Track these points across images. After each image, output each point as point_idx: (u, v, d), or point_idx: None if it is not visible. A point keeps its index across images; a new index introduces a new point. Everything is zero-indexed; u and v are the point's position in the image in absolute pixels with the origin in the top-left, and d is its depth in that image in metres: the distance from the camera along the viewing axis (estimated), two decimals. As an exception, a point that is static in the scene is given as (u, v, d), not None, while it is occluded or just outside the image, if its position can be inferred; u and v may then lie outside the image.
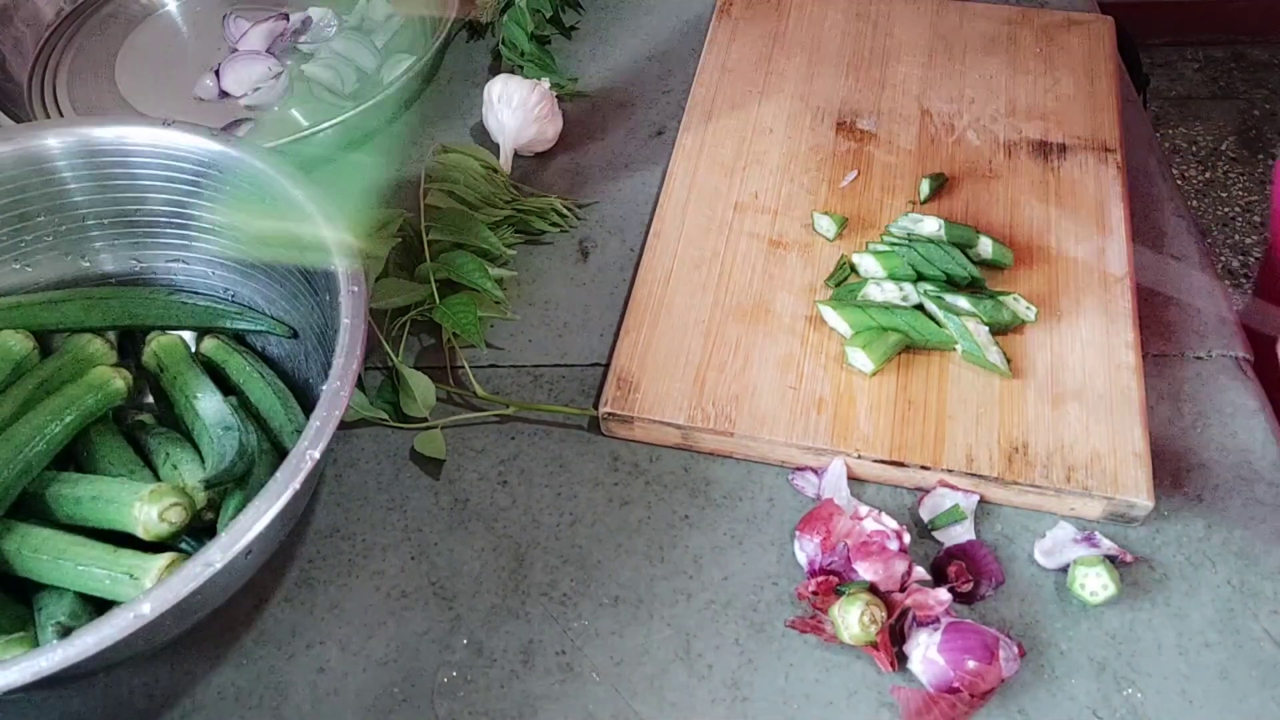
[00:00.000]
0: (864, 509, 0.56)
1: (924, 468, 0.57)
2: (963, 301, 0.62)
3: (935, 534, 0.57)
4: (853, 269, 0.66)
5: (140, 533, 0.50)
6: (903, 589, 0.53)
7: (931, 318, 0.62)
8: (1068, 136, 0.73)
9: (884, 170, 0.73)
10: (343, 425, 0.58)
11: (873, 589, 0.53)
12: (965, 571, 0.54)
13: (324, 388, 0.48)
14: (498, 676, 0.53)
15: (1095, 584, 0.53)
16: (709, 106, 0.77)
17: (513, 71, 0.82)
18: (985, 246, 0.65)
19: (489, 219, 0.70)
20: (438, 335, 0.67)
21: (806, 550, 0.55)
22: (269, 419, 0.57)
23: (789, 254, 0.68)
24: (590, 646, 0.54)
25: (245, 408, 0.58)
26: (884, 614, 0.51)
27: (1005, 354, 0.61)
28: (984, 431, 0.58)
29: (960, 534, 0.56)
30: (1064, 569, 0.55)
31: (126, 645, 0.41)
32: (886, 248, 0.66)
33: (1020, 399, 0.59)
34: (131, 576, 0.48)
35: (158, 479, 0.55)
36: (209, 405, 0.56)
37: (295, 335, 0.61)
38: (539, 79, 0.77)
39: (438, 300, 0.65)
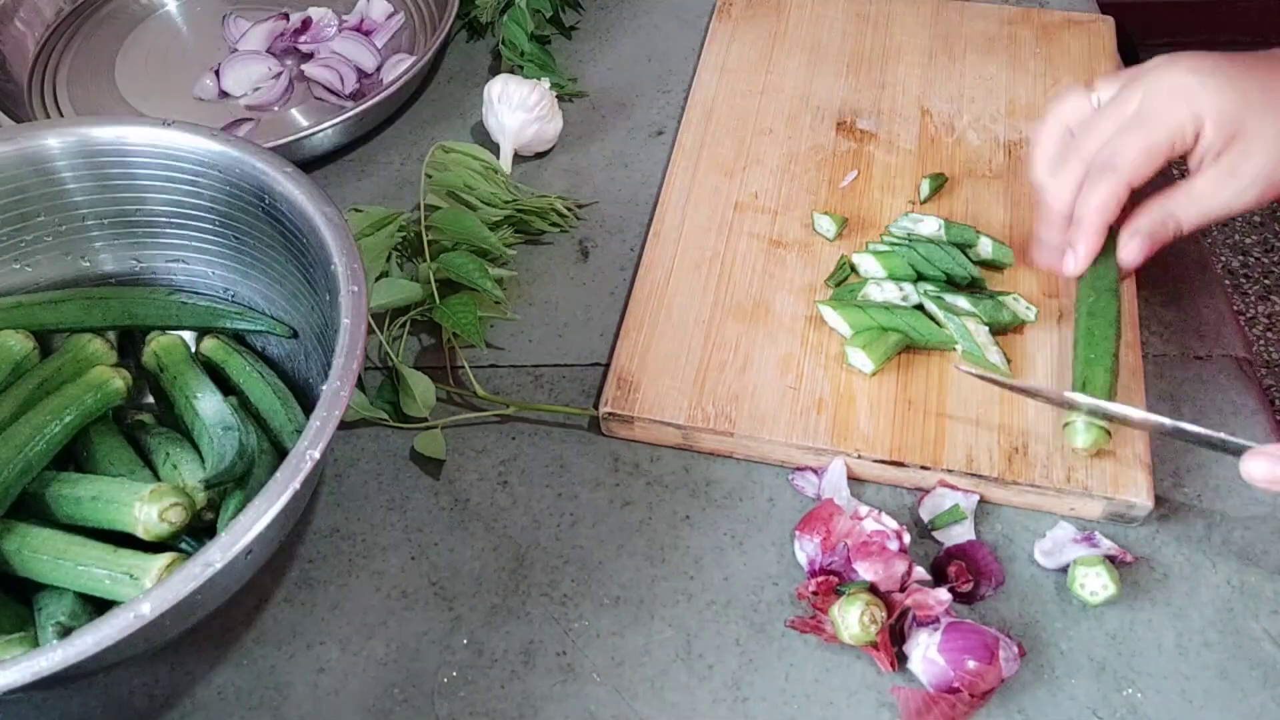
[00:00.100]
0: (864, 509, 0.56)
1: (924, 468, 0.57)
2: (963, 301, 0.62)
3: (935, 534, 0.57)
4: (853, 269, 0.66)
5: (140, 533, 0.50)
6: (903, 589, 0.53)
7: (931, 318, 0.62)
8: (1068, 136, 0.73)
9: (884, 170, 0.73)
10: (343, 425, 0.58)
11: (873, 589, 0.53)
12: (965, 571, 0.54)
13: (324, 388, 0.47)
14: (498, 677, 0.53)
15: (1095, 584, 0.53)
16: (709, 106, 0.77)
17: (513, 71, 0.82)
18: (985, 246, 0.65)
19: (489, 219, 0.70)
20: (438, 335, 0.67)
21: (806, 550, 0.55)
22: (269, 419, 0.57)
23: (789, 254, 0.68)
24: (591, 647, 0.54)
25: (245, 408, 0.58)
26: (884, 614, 0.51)
27: (1005, 354, 0.61)
28: (984, 431, 0.58)
29: (960, 534, 0.56)
30: (1064, 569, 0.55)
31: (126, 645, 0.41)
32: (886, 248, 0.66)
33: (1020, 399, 0.59)
34: (131, 576, 0.48)
35: (158, 479, 0.55)
36: (209, 405, 0.56)
37: (295, 335, 0.61)
38: (539, 79, 0.77)
39: (438, 300, 0.65)
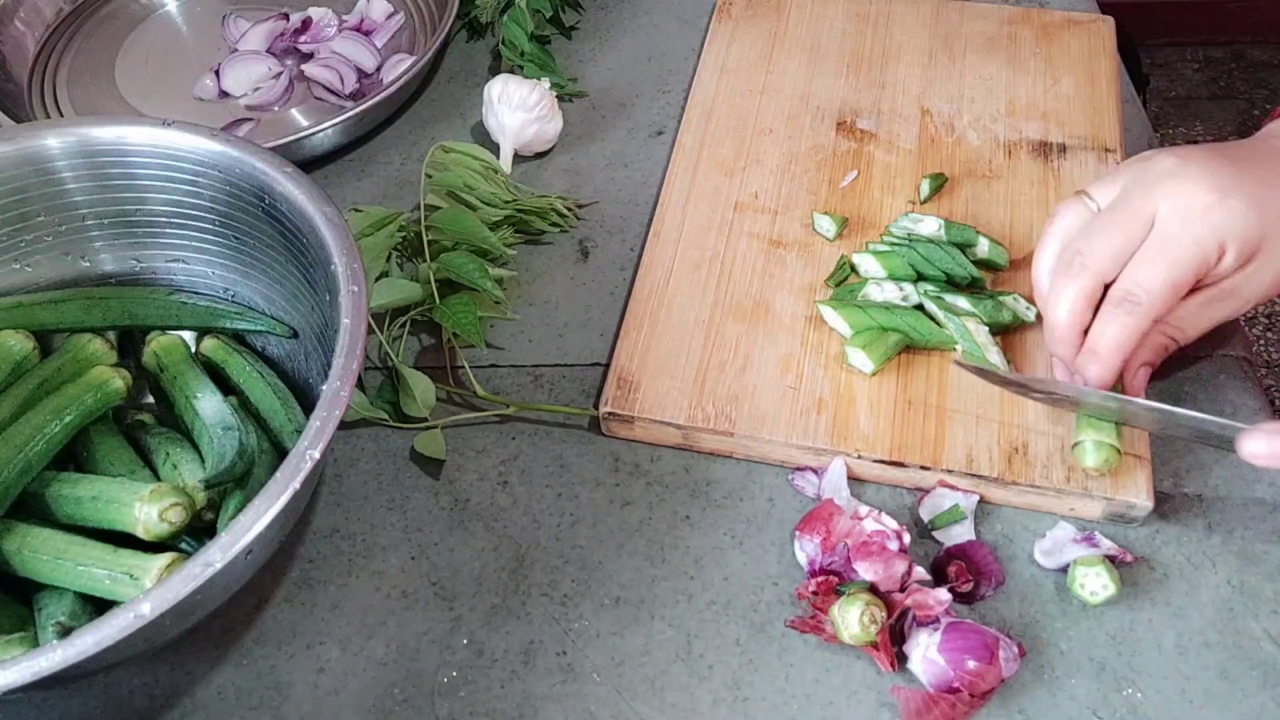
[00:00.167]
0: (864, 509, 0.56)
1: (924, 468, 0.57)
2: (963, 301, 0.62)
3: (935, 534, 0.57)
4: (853, 269, 0.66)
5: (140, 533, 0.50)
6: (903, 589, 0.53)
7: (931, 318, 0.62)
8: (1068, 136, 0.73)
9: (884, 170, 0.73)
10: (343, 425, 0.58)
11: (873, 589, 0.53)
12: (965, 571, 0.54)
13: (324, 388, 0.48)
14: (498, 677, 0.53)
15: (1095, 584, 0.53)
16: (709, 106, 0.77)
17: (513, 71, 0.82)
18: (983, 246, 0.65)
19: (489, 219, 0.70)
20: (438, 335, 0.67)
21: (806, 550, 0.55)
22: (269, 419, 0.57)
23: (789, 254, 0.68)
24: (591, 647, 0.54)
25: (245, 408, 0.58)
26: (884, 614, 0.51)
27: (1005, 354, 0.61)
28: (984, 431, 0.58)
29: (960, 534, 0.56)
30: (1064, 569, 0.55)
31: (126, 645, 0.41)
32: (886, 248, 0.66)
33: (1020, 399, 0.59)
34: (131, 576, 0.48)
35: (158, 479, 0.55)
36: (209, 405, 0.56)
37: (295, 335, 0.61)
38: (539, 79, 0.77)
39: (438, 300, 0.65)
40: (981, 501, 0.58)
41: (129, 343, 0.63)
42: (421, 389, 0.62)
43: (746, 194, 0.71)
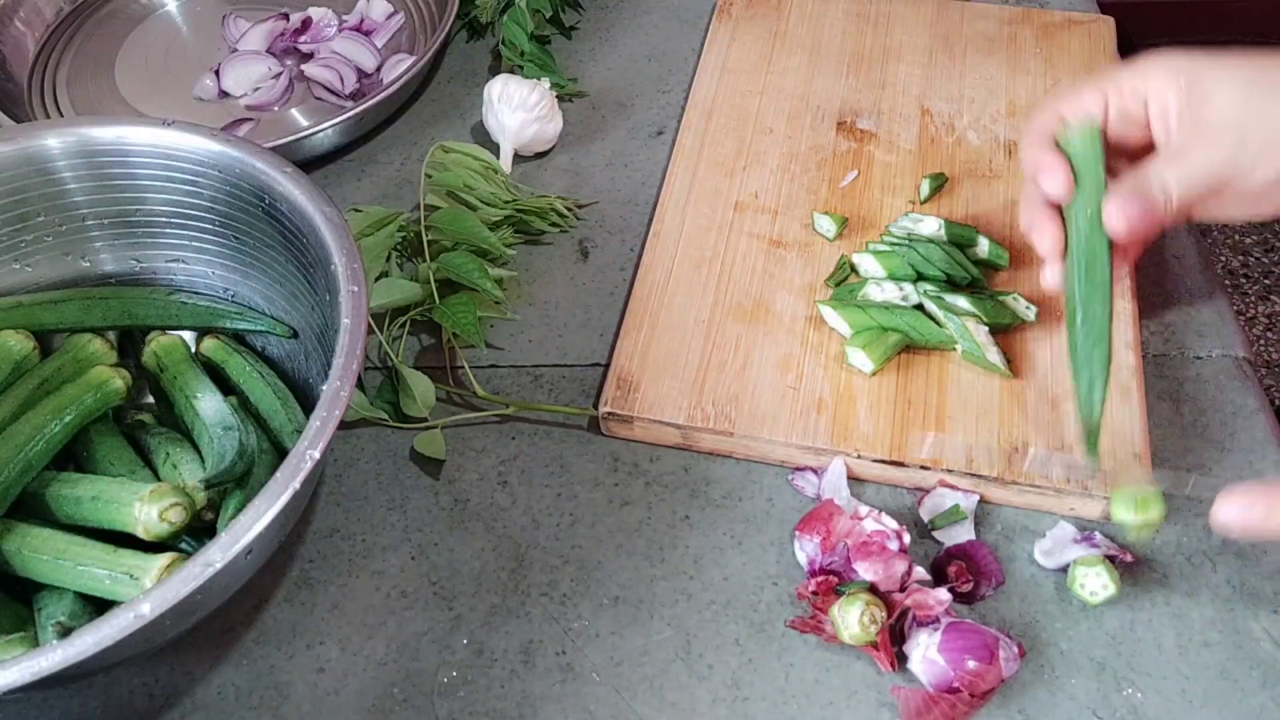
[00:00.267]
0: (864, 509, 0.56)
1: (924, 468, 0.57)
2: (963, 301, 0.62)
3: (935, 534, 0.57)
4: (853, 269, 0.66)
5: (140, 533, 0.50)
6: (903, 589, 0.53)
7: (931, 318, 0.62)
8: (1068, 136, 0.73)
9: (884, 170, 0.73)
10: (343, 425, 0.58)
11: (873, 589, 0.53)
12: (965, 571, 0.54)
13: (324, 388, 0.48)
14: (498, 676, 0.53)
15: (1095, 584, 0.53)
16: (709, 106, 0.77)
17: (513, 71, 0.82)
18: (983, 246, 0.65)
19: (489, 219, 0.70)
20: (438, 335, 0.67)
21: (806, 550, 0.55)
22: (269, 419, 0.57)
23: (789, 254, 0.68)
24: (590, 647, 0.54)
25: (245, 408, 0.58)
26: (884, 614, 0.51)
27: (1005, 354, 0.61)
28: (984, 431, 0.58)
29: (960, 534, 0.56)
30: (1064, 569, 0.55)
31: (126, 645, 0.41)
32: (886, 248, 0.66)
33: (1020, 399, 0.59)
34: (131, 576, 0.48)
35: (158, 479, 0.55)
36: (209, 405, 0.56)
37: (295, 335, 0.61)
38: (539, 79, 0.77)
39: (438, 300, 0.66)
40: (981, 501, 0.58)
41: (129, 343, 0.63)
42: (421, 389, 0.62)
43: (746, 194, 0.71)
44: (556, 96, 0.77)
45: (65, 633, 0.42)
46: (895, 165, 0.73)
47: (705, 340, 0.63)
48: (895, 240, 0.66)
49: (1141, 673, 0.52)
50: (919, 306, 0.63)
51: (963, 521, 0.56)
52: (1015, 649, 0.51)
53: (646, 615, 0.55)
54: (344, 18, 0.90)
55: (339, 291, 0.51)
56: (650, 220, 0.71)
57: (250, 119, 0.83)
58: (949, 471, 0.57)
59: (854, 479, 0.59)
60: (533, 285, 0.70)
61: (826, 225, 0.68)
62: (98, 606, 0.50)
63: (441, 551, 0.58)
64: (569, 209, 0.74)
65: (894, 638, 0.53)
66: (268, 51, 0.87)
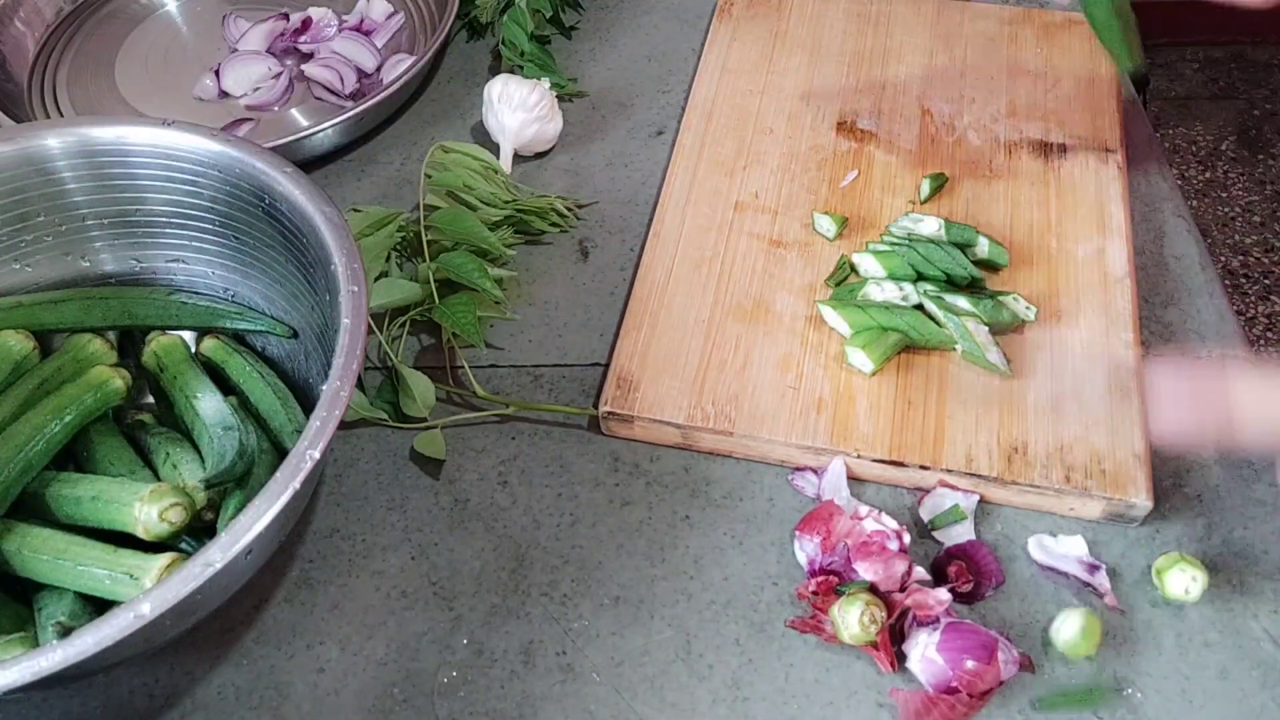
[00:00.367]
0: (864, 509, 0.56)
1: (924, 468, 0.57)
2: (962, 301, 0.62)
3: (935, 534, 0.57)
4: (853, 269, 0.66)
5: (140, 533, 0.50)
6: (903, 589, 0.53)
7: (931, 318, 0.62)
8: (1068, 136, 0.73)
9: (884, 170, 0.73)
10: (343, 425, 0.58)
11: (873, 589, 0.53)
12: (965, 571, 0.54)
13: (324, 388, 0.48)
14: (498, 677, 0.53)
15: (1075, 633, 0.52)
16: (709, 106, 0.77)
17: (513, 71, 0.82)
18: (983, 246, 0.65)
19: (489, 219, 0.70)
20: (438, 335, 0.67)
21: (806, 550, 0.55)
22: (269, 419, 0.57)
23: (789, 254, 0.68)
24: (591, 647, 0.54)
25: (245, 408, 0.58)
26: (884, 614, 0.51)
27: (1005, 354, 0.61)
28: (984, 431, 0.58)
29: (960, 534, 0.56)
30: (1064, 572, 0.55)
31: (126, 645, 0.41)
32: (887, 247, 0.66)
33: (1020, 399, 0.59)
34: (131, 576, 0.48)
35: (158, 479, 0.55)
36: (209, 405, 0.56)
37: (295, 335, 0.61)
38: (539, 79, 0.77)
39: (437, 300, 0.66)
40: (981, 501, 0.58)
41: (129, 343, 0.63)
42: (421, 389, 0.62)
43: (747, 194, 0.71)
44: (556, 96, 0.77)
45: (65, 633, 0.42)
46: (895, 165, 0.73)
47: (705, 340, 0.63)
48: (895, 240, 0.66)
49: (1141, 673, 0.52)
50: (919, 306, 0.63)
51: (963, 521, 0.56)
52: (1015, 654, 0.51)
53: (647, 615, 0.55)
54: (344, 18, 0.90)
55: (339, 291, 0.51)
56: (650, 220, 0.71)
57: (250, 119, 0.83)
58: (949, 471, 0.57)
59: (854, 479, 0.59)
60: (533, 285, 0.70)
61: (826, 225, 0.68)
62: (98, 606, 0.50)
63: (441, 551, 0.58)
64: (569, 209, 0.74)
65: (894, 638, 0.53)
66: (268, 51, 0.87)
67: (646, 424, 0.60)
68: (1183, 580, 0.53)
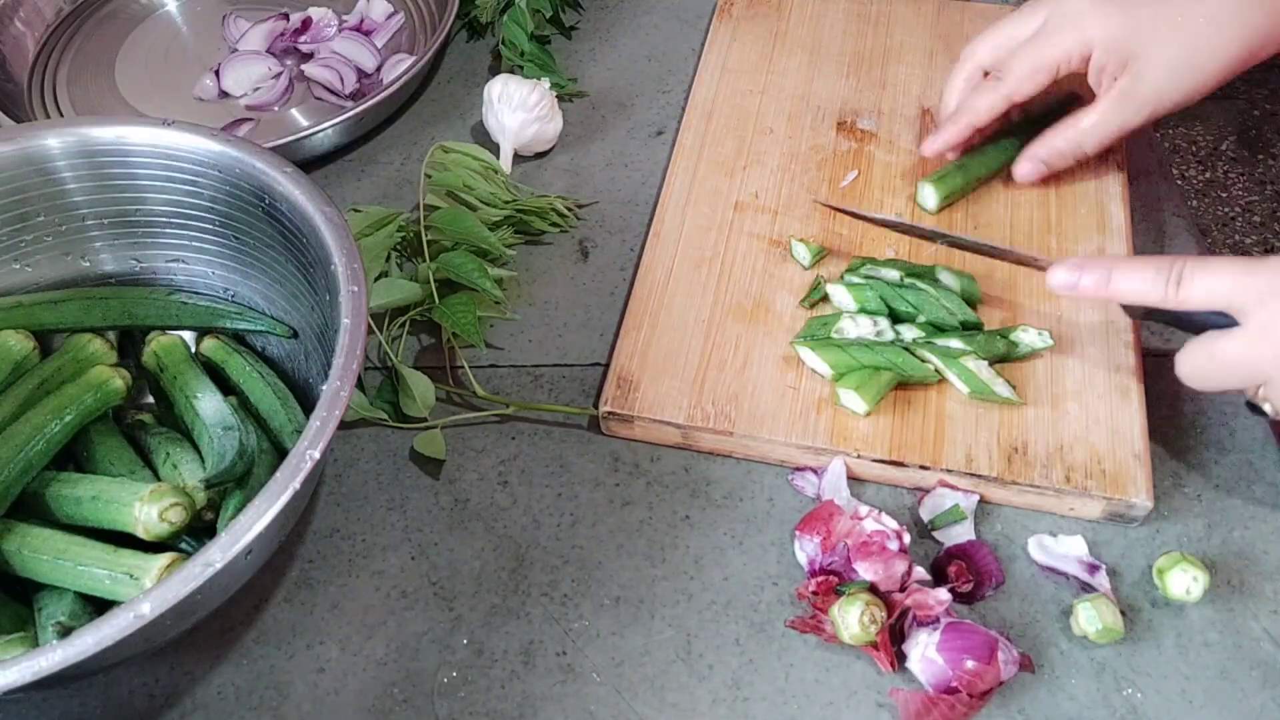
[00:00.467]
0: (864, 509, 0.56)
1: (923, 468, 0.57)
2: (955, 343, 0.59)
3: (935, 534, 0.57)
4: (824, 297, 0.64)
5: (140, 533, 0.50)
6: (903, 589, 0.53)
7: (926, 363, 0.59)
8: (1068, 136, 0.73)
9: (884, 170, 0.73)
10: (343, 425, 0.58)
11: (873, 589, 0.53)
12: (965, 571, 0.54)
13: (324, 388, 0.48)
14: (498, 677, 0.53)
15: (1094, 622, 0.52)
16: (709, 106, 0.77)
17: (513, 71, 0.82)
18: (948, 280, 0.63)
19: (489, 219, 0.70)
20: (438, 335, 0.67)
21: (806, 550, 0.55)
22: (269, 419, 0.57)
23: (789, 254, 0.68)
24: (591, 647, 0.54)
25: (245, 408, 0.58)
26: (884, 614, 0.51)
27: (1010, 383, 0.59)
28: (983, 431, 0.58)
29: (960, 534, 0.56)
30: (1064, 573, 0.55)
31: (126, 645, 0.41)
32: (860, 280, 0.64)
33: (1020, 405, 0.59)
34: (131, 576, 0.48)
35: (158, 479, 0.55)
36: (209, 405, 0.56)
37: (295, 335, 0.61)
38: (539, 79, 0.77)
39: (437, 300, 0.66)
40: (981, 501, 0.58)
41: (129, 343, 0.63)
42: (421, 389, 0.62)
43: (747, 194, 0.71)
44: (556, 96, 0.77)
45: (65, 633, 0.42)
46: (895, 165, 0.73)
47: (705, 340, 0.63)
48: (863, 278, 0.64)
49: (1141, 673, 0.52)
50: (906, 349, 0.60)
51: (963, 521, 0.56)
52: (1015, 654, 0.51)
53: (647, 615, 0.55)
54: (344, 18, 0.90)
55: (339, 291, 0.51)
56: (650, 220, 0.71)
57: (250, 119, 0.83)
58: (949, 471, 0.57)
59: (854, 479, 0.59)
60: (533, 285, 0.70)
61: (802, 253, 0.67)
62: (98, 606, 0.50)
63: (441, 551, 0.58)
64: (569, 209, 0.74)
65: (894, 638, 0.53)
66: (268, 51, 0.87)
67: (646, 424, 0.60)
68: (1184, 580, 0.53)
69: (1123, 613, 0.53)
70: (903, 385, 0.60)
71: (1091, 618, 0.52)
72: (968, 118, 0.67)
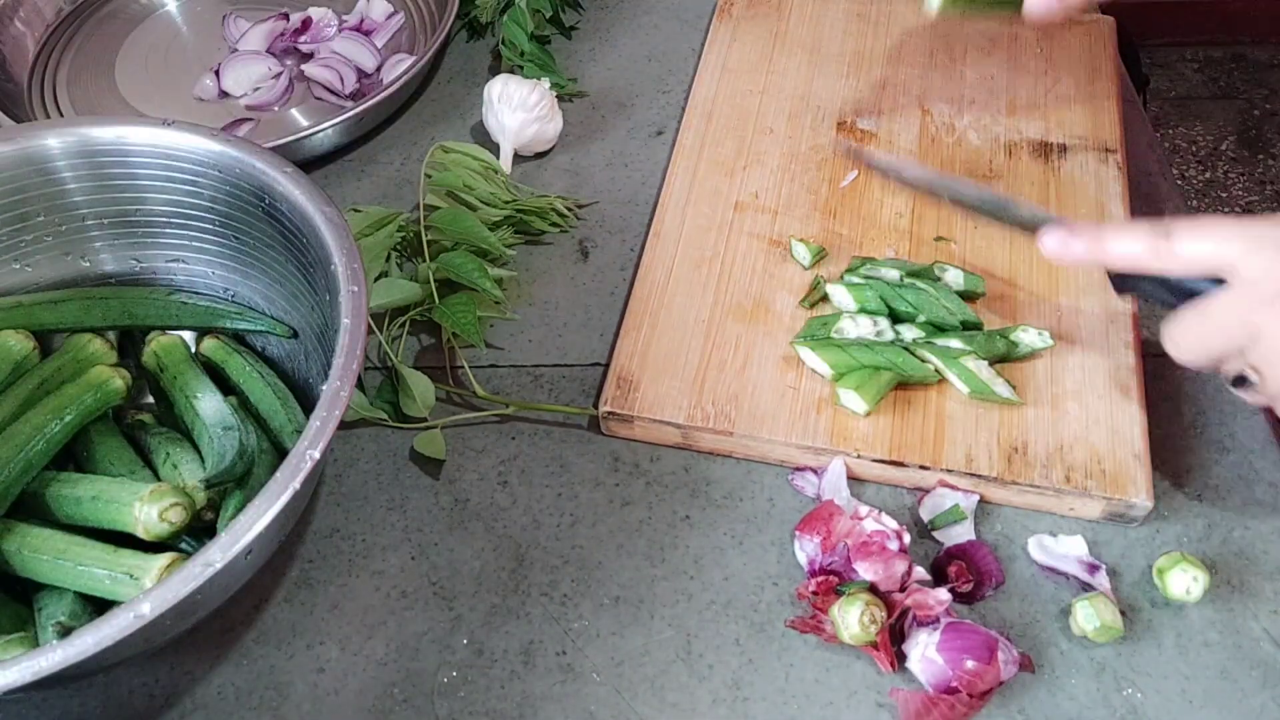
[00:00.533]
0: (864, 509, 0.56)
1: (923, 468, 0.57)
2: (955, 343, 0.60)
3: (935, 534, 0.57)
4: (824, 297, 0.65)
5: (140, 533, 0.50)
6: (903, 589, 0.53)
7: (925, 363, 0.60)
8: (1068, 136, 0.73)
9: (884, 170, 0.72)
10: (343, 425, 0.58)
11: (873, 589, 0.53)
12: (965, 571, 0.54)
13: (324, 388, 0.48)
14: (498, 677, 0.53)
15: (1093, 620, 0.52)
16: (709, 106, 0.77)
17: (513, 71, 0.82)
18: (955, 278, 0.64)
19: (489, 219, 0.70)
20: (438, 335, 0.67)
21: (806, 550, 0.55)
22: (269, 419, 0.57)
23: (789, 253, 0.68)
24: (591, 647, 0.54)
25: (245, 408, 0.58)
26: (884, 614, 0.51)
27: (1009, 381, 0.59)
28: (983, 431, 0.58)
29: (960, 534, 0.56)
30: (1064, 574, 0.55)
31: (126, 645, 0.41)
32: (860, 280, 0.64)
33: (1019, 407, 0.59)
34: (131, 576, 0.48)
35: (158, 479, 0.55)
36: (209, 405, 0.56)
37: (295, 335, 0.61)
38: (539, 79, 0.77)
39: (437, 300, 0.65)
40: (981, 501, 0.58)
41: (129, 343, 0.63)
42: (421, 389, 0.62)
43: (747, 194, 0.71)
44: (556, 96, 0.77)
45: (65, 633, 0.42)
46: (895, 165, 0.73)
47: (705, 340, 0.63)
48: (862, 278, 0.64)
49: (1141, 673, 0.52)
50: (906, 349, 0.60)
51: (963, 521, 0.56)
52: (1015, 654, 0.51)
53: (647, 615, 0.55)
54: (344, 18, 0.90)
55: (339, 291, 0.51)
56: (650, 220, 0.71)
57: (250, 119, 0.83)
58: (949, 471, 0.57)
59: (854, 479, 0.59)
60: (533, 285, 0.70)
61: (803, 253, 0.67)
62: (98, 606, 0.50)
63: (441, 551, 0.58)
64: (569, 209, 0.74)
65: (894, 638, 0.53)
66: (268, 51, 0.87)
67: (646, 424, 0.60)
68: (1184, 580, 0.53)
69: (1123, 613, 0.53)
70: (903, 385, 0.60)
71: (1089, 615, 0.52)
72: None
